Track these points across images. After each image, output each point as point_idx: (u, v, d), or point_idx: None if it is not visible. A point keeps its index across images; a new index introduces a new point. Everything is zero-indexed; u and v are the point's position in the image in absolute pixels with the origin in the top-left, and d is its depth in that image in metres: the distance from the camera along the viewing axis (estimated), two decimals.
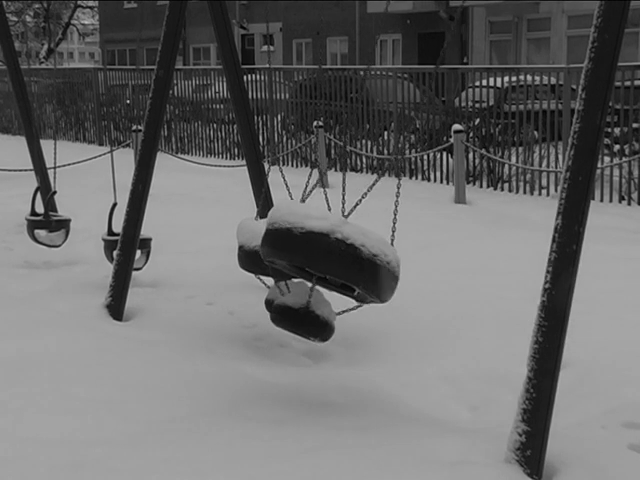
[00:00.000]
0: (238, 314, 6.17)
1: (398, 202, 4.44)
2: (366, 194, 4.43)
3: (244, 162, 6.88)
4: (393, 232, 4.42)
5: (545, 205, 10.64)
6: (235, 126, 15.49)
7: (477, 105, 13.10)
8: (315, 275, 4.35)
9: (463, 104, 13.24)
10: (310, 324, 4.41)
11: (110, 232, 6.82)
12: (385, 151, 14.12)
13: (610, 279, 6.96)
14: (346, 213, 4.39)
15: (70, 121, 20.30)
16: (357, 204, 4.41)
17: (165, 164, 10.67)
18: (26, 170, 9.68)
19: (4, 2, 8.69)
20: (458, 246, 8.34)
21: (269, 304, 5.33)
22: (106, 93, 18.88)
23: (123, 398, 4.44)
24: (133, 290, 6.31)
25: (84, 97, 19.81)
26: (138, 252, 6.45)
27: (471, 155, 12.80)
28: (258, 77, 16.10)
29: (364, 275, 4.10)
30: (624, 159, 11.21)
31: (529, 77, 12.79)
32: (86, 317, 5.95)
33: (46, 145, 8.83)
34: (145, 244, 6.71)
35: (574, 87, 11.25)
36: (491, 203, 11.22)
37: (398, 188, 4.42)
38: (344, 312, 4.68)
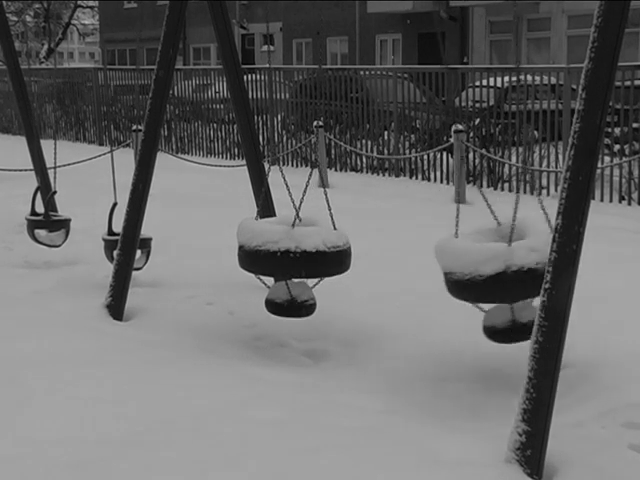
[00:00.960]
0: (238, 314, 6.17)
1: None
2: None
3: (244, 162, 6.88)
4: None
5: (545, 205, 10.62)
6: (235, 126, 15.48)
7: (477, 105, 13.10)
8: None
9: (463, 104, 13.24)
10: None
11: (110, 232, 6.82)
12: (385, 151, 14.12)
13: (610, 279, 6.95)
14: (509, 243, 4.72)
15: (70, 121, 20.30)
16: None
17: (165, 164, 10.67)
18: (26, 170, 9.68)
19: (4, 2, 8.69)
20: None
21: (269, 304, 5.35)
22: (107, 93, 18.88)
23: (123, 398, 4.44)
24: (133, 290, 6.31)
25: (84, 97, 19.81)
26: (138, 252, 6.46)
27: (471, 155, 12.79)
28: (258, 77, 16.10)
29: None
30: (624, 159, 11.21)
31: (529, 77, 12.79)
32: (86, 317, 5.95)
33: (46, 145, 8.83)
34: (145, 244, 6.71)
35: (574, 87, 11.25)
36: (491, 203, 11.20)
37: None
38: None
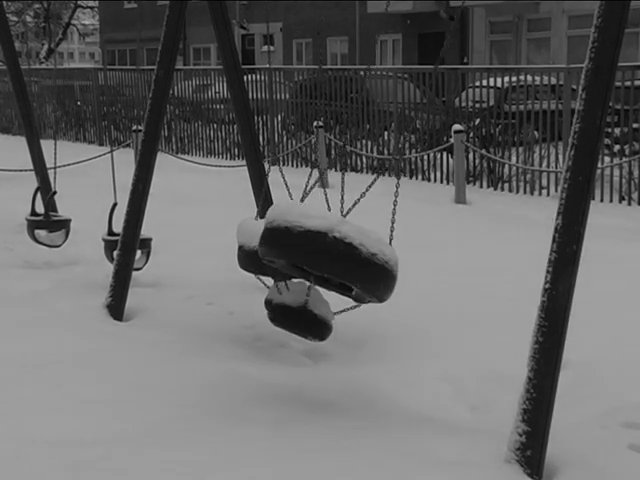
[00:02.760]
0: (238, 314, 6.17)
1: (397, 202, 4.43)
2: (364, 193, 4.43)
3: (244, 162, 6.88)
4: (392, 232, 4.40)
5: (545, 205, 10.64)
6: (235, 126, 15.48)
7: (477, 105, 13.10)
8: (313, 274, 4.35)
9: (463, 104, 13.24)
10: (308, 323, 4.45)
11: (110, 232, 6.82)
12: (385, 151, 14.12)
13: (610, 279, 6.96)
14: (344, 212, 4.37)
15: (70, 121, 20.30)
16: (356, 203, 4.42)
17: (165, 164, 10.68)
18: (26, 170, 9.68)
19: (4, 2, 8.69)
20: (458, 246, 8.34)
21: (269, 304, 5.34)
22: (107, 93, 18.89)
23: (123, 398, 4.44)
24: (133, 290, 6.31)
25: (85, 97, 19.82)
26: (138, 252, 6.45)
27: (471, 155, 12.80)
28: (258, 77, 16.10)
29: (362, 274, 4.11)
30: (624, 159, 11.21)
31: (529, 77, 12.79)
32: (86, 317, 5.95)
33: (46, 145, 8.83)
34: (145, 244, 6.71)
35: (574, 87, 11.25)
36: (491, 203, 11.22)
37: (397, 188, 4.42)
38: (342, 312, 4.68)
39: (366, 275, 4.12)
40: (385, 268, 4.13)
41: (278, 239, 4.16)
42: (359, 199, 4.41)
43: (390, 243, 4.33)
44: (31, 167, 8.79)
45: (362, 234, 4.13)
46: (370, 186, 4.40)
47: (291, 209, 4.22)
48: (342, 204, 4.58)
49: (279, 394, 4.63)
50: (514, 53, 28.03)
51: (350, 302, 4.60)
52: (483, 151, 12.51)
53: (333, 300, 4.65)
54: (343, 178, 4.69)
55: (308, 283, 4.47)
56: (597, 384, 4.82)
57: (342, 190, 4.67)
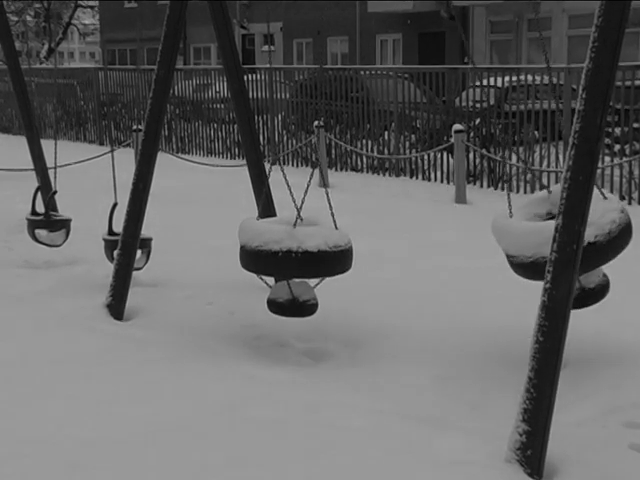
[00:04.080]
0: (238, 314, 6.17)
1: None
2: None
3: (245, 162, 6.88)
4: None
5: None
6: (235, 126, 15.48)
7: (477, 105, 13.10)
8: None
9: (463, 104, 13.24)
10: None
11: (110, 232, 6.82)
12: (386, 151, 14.12)
13: (610, 279, 6.94)
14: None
15: (71, 121, 20.31)
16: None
17: (166, 164, 10.66)
18: (26, 170, 9.68)
19: (4, 2, 8.69)
20: (458, 246, 8.34)
21: (271, 304, 5.35)
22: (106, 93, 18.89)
23: (123, 398, 4.44)
24: (133, 290, 6.31)
25: (85, 97, 19.82)
26: (138, 252, 6.45)
27: (471, 155, 12.79)
28: (259, 77, 16.10)
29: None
30: (624, 159, 11.21)
31: (529, 77, 12.79)
32: (86, 317, 5.95)
33: (46, 145, 8.83)
34: (145, 244, 6.71)
35: (574, 87, 11.25)
36: (492, 203, 11.20)
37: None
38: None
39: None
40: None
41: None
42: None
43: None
44: (31, 167, 8.79)
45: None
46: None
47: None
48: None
49: (279, 393, 4.63)
50: (514, 53, 28.03)
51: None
52: (483, 151, 12.51)
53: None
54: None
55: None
56: (597, 384, 4.82)
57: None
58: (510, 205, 5.08)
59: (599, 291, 5.12)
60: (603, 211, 4.70)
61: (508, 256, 4.97)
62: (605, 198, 4.86)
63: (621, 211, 4.84)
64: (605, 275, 5.20)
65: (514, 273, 5.02)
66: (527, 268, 4.82)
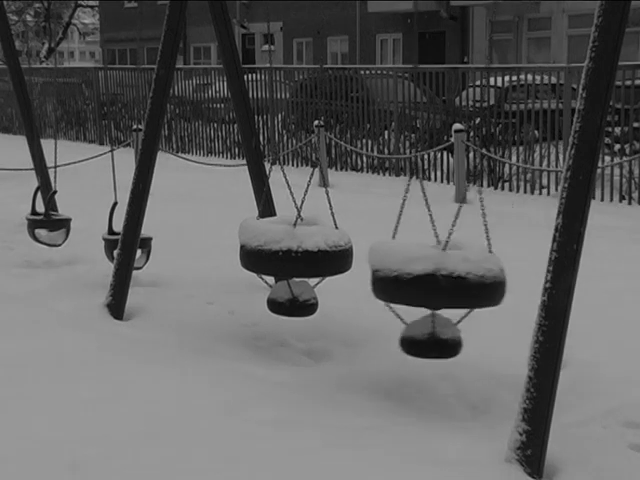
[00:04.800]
0: (238, 313, 6.17)
1: (405, 202, 4.56)
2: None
3: (245, 161, 6.88)
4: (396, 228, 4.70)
5: (546, 204, 10.63)
6: (235, 125, 15.48)
7: (478, 104, 13.10)
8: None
9: (464, 103, 13.24)
10: (441, 349, 4.64)
11: (111, 231, 6.82)
12: (386, 150, 14.12)
13: (610, 279, 6.96)
14: (442, 247, 4.68)
15: (71, 121, 20.31)
16: (450, 234, 4.79)
17: (166, 163, 10.68)
18: (26, 169, 9.68)
19: (5, 1, 8.69)
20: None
21: (271, 303, 5.35)
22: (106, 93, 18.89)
23: (123, 398, 4.44)
24: (134, 289, 6.31)
25: (85, 96, 19.82)
26: (139, 251, 6.45)
27: (471, 155, 12.79)
28: (259, 76, 16.10)
29: (477, 298, 4.47)
30: (624, 158, 11.21)
31: (529, 76, 12.79)
32: (86, 317, 5.95)
33: (46, 144, 8.83)
34: (145, 243, 6.71)
35: (574, 86, 11.25)
36: (491, 203, 11.18)
37: (406, 192, 4.51)
38: (461, 321, 4.73)
39: (481, 297, 4.45)
40: (495, 282, 4.45)
41: (389, 286, 4.47)
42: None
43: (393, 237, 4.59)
44: (31, 166, 8.79)
45: (466, 261, 4.41)
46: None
47: (391, 253, 4.50)
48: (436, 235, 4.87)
49: (279, 393, 4.63)
50: (514, 52, 28.03)
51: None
52: (483, 150, 12.51)
53: None
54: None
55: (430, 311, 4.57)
56: (597, 384, 4.82)
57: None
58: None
59: (451, 346, 4.61)
60: (486, 258, 4.49)
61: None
62: (491, 252, 4.62)
63: (501, 270, 4.57)
64: (460, 335, 4.68)
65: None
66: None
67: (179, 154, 15.76)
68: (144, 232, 6.39)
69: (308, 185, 5.24)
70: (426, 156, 13.47)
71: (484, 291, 4.39)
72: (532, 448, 3.69)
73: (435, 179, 13.35)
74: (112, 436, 3.96)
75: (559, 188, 3.92)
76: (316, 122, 13.20)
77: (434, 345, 4.57)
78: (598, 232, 7.78)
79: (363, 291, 6.57)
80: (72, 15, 44.76)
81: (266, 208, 6.24)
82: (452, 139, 11.86)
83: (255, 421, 4.18)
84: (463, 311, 4.61)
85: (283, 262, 5.07)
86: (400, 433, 4.11)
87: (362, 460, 3.76)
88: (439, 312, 4.58)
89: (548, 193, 11.92)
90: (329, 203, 5.26)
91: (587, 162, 3.65)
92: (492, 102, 12.94)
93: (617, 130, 11.60)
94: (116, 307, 6.11)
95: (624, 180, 11.27)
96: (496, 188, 12.60)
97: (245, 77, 7.21)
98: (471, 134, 12.74)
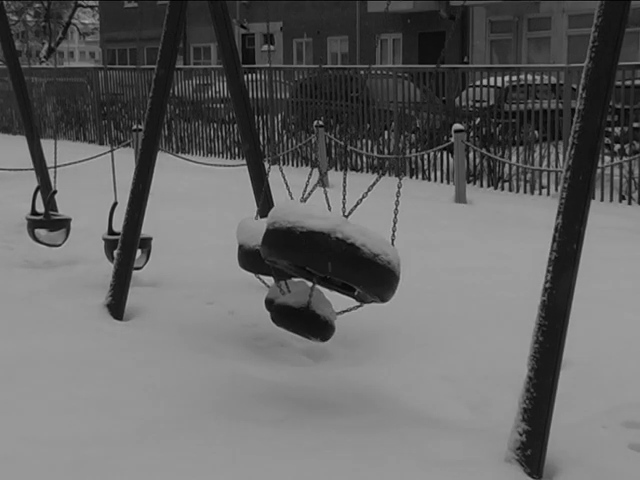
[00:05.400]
0: (238, 313, 6.17)
1: (399, 202, 4.43)
2: (367, 194, 4.43)
3: (244, 161, 6.88)
4: (394, 232, 4.41)
5: (545, 204, 10.64)
6: (235, 125, 15.48)
7: (477, 104, 13.10)
8: (316, 275, 4.34)
9: (463, 103, 13.24)
10: (311, 324, 4.42)
11: (110, 231, 6.82)
12: (386, 150, 14.12)
13: (610, 279, 6.96)
14: (347, 213, 4.38)
15: (71, 120, 20.31)
16: (358, 203, 4.40)
17: (166, 163, 10.68)
18: (26, 169, 9.68)
19: (5, 1, 8.69)
20: (458, 246, 8.34)
21: (269, 303, 5.34)
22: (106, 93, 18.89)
23: (123, 398, 4.44)
24: (133, 289, 6.31)
25: (85, 96, 19.82)
26: (138, 251, 6.45)
27: (471, 155, 12.80)
28: (258, 76, 16.11)
29: (365, 275, 4.11)
30: (624, 158, 11.21)
31: (529, 77, 12.80)
32: (86, 317, 5.95)
33: (46, 144, 8.83)
34: (145, 243, 6.71)
35: (574, 86, 11.25)
36: (491, 202, 11.21)
37: (399, 188, 4.42)
38: (345, 312, 4.68)
39: (368, 276, 4.11)
40: (387, 268, 4.13)
41: (280, 240, 4.16)
42: (361, 199, 4.40)
43: (392, 243, 4.32)
44: (31, 166, 8.79)
45: (364, 234, 4.12)
46: (372, 186, 4.38)
47: (293, 209, 4.21)
48: (344, 204, 4.56)
49: (279, 393, 4.63)
50: (514, 52, 28.03)
51: (353, 302, 4.60)
52: (483, 150, 12.51)
53: (335, 300, 4.65)
54: (345, 178, 4.67)
55: (310, 284, 4.45)
56: (597, 384, 4.82)
57: (344, 190, 4.65)
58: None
59: (322, 323, 4.41)
60: (387, 244, 4.35)
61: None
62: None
63: (397, 262, 4.21)
64: (333, 318, 4.49)
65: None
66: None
67: (179, 154, 15.76)
68: (144, 232, 6.39)
69: (307, 185, 5.23)
70: (426, 156, 13.48)
71: (373, 272, 4.09)
72: (532, 448, 3.69)
73: (435, 179, 13.35)
74: (112, 436, 3.96)
75: (559, 188, 3.92)
76: (316, 122, 13.20)
77: (305, 317, 4.37)
78: (598, 232, 7.78)
79: None
80: (72, 15, 44.77)
81: (265, 208, 6.23)
82: (452, 139, 11.86)
83: (255, 421, 4.18)
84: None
85: None
86: (400, 433, 4.11)
87: (362, 460, 3.76)
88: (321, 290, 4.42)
89: (548, 193, 11.93)
90: (327, 203, 5.26)
91: (587, 162, 3.65)
92: (492, 102, 12.95)
93: (617, 130, 11.60)
94: (116, 307, 6.11)
95: (624, 180, 11.28)
96: (496, 188, 12.61)
97: (245, 77, 7.21)
98: (471, 134, 12.74)
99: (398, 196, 4.41)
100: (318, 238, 4.05)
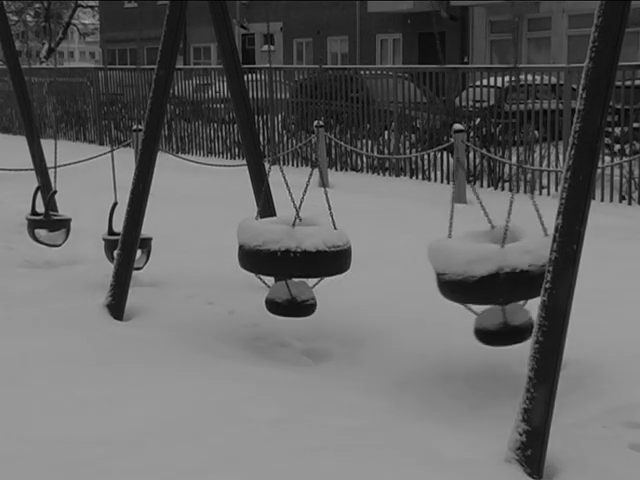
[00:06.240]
0: (238, 314, 6.17)
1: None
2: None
3: (244, 162, 6.88)
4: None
5: (545, 205, 10.62)
6: (235, 125, 15.48)
7: (477, 105, 13.10)
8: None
9: (464, 104, 13.24)
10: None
11: (110, 232, 6.82)
12: (386, 151, 14.12)
13: (610, 279, 6.95)
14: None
15: (71, 121, 20.31)
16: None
17: (166, 164, 10.67)
18: (26, 170, 9.68)
19: (5, 1, 8.69)
20: None
21: (269, 303, 5.35)
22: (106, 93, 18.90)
23: (123, 398, 4.44)
24: (133, 289, 6.31)
25: (85, 96, 19.82)
26: (139, 252, 6.45)
27: (471, 155, 12.79)
28: (259, 77, 16.10)
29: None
30: (624, 159, 11.21)
31: (529, 77, 12.79)
32: (86, 317, 5.95)
33: (46, 145, 8.83)
34: (145, 244, 6.71)
35: (574, 87, 11.25)
36: (491, 203, 11.18)
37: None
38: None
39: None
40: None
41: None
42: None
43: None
44: (31, 166, 8.79)
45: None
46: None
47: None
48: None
49: (279, 393, 4.63)
50: (514, 52, 27.99)
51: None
52: (483, 151, 12.51)
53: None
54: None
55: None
56: (597, 384, 4.82)
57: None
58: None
59: (523, 330, 4.64)
60: (543, 242, 4.49)
61: (438, 274, 4.78)
62: (547, 235, 4.58)
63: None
64: (531, 318, 4.63)
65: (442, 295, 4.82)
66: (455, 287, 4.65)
67: (179, 154, 15.76)
68: (144, 232, 6.39)
69: (307, 185, 5.24)
70: (426, 156, 13.47)
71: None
72: (532, 448, 3.69)
73: (435, 179, 13.35)
74: (112, 436, 3.96)
75: (559, 188, 3.92)
76: (316, 122, 13.20)
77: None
78: (598, 232, 7.78)
79: (363, 291, 6.58)
80: (72, 15, 44.75)
81: (265, 208, 6.24)
82: (452, 139, 11.86)
83: (255, 421, 4.19)
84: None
85: (282, 262, 5.07)
86: (400, 433, 4.11)
87: (362, 460, 3.76)
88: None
89: (548, 193, 11.92)
90: (328, 203, 5.26)
91: (587, 162, 3.65)
92: (492, 102, 12.94)
93: (617, 130, 11.59)
94: (116, 307, 6.11)
95: (624, 180, 11.27)
96: (496, 188, 12.60)
97: (245, 77, 7.21)
98: (471, 134, 12.74)
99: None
100: (496, 280, 4.47)
